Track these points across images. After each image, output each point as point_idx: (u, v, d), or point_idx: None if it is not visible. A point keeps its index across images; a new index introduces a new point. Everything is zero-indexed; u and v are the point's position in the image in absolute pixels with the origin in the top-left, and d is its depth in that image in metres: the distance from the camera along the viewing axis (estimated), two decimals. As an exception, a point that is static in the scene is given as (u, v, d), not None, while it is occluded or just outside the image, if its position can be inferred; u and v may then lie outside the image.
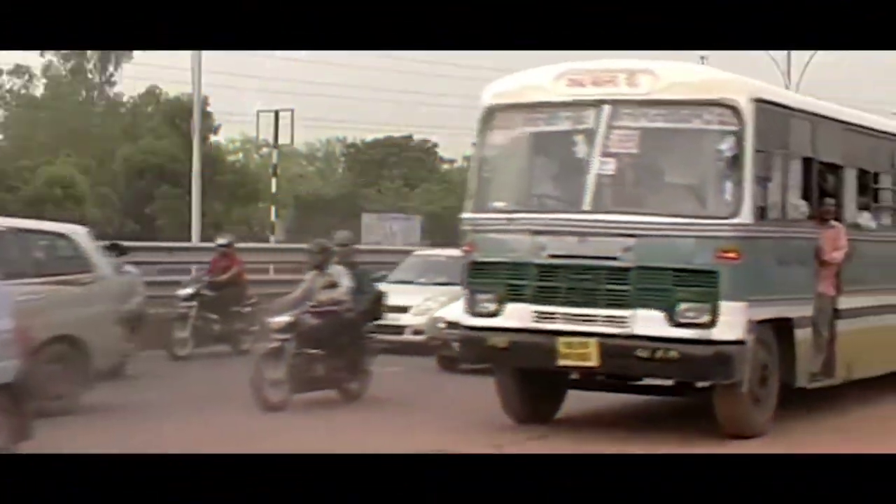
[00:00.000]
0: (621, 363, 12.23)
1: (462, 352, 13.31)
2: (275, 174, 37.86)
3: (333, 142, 79.04)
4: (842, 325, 13.89)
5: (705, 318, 11.92)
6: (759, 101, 12.24)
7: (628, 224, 12.12)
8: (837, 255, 13.63)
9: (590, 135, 12.43)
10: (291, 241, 41.58)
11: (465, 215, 13.12)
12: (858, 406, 14.67)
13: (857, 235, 14.25)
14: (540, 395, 13.40)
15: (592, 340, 12.20)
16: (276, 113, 34.85)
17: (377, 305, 15.09)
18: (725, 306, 11.90)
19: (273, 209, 38.47)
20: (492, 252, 12.74)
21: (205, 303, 18.47)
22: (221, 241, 19.49)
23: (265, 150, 49.19)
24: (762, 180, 12.39)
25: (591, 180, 12.32)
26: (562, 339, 12.30)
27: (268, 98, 50.58)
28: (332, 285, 14.35)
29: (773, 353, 12.71)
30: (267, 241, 35.76)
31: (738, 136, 12.06)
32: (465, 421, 13.39)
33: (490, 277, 12.70)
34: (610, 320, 12.16)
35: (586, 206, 12.30)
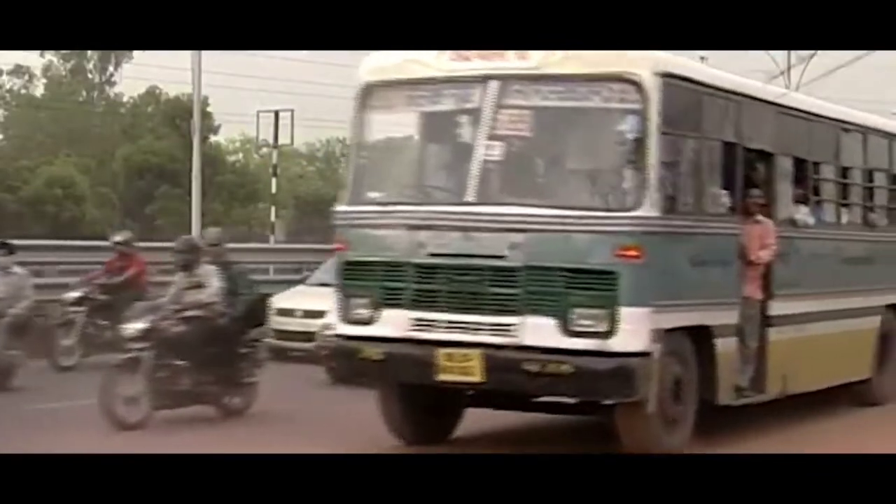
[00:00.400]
0: (508, 378, 10.29)
1: (334, 365, 11.31)
2: (275, 174, 37.02)
3: (333, 142, 77.55)
4: (774, 334, 11.93)
5: (603, 327, 10.01)
6: (667, 75, 10.27)
7: (517, 217, 10.23)
8: (764, 255, 11.64)
9: (475, 115, 10.54)
10: (291, 241, 40.95)
11: (337, 208, 11.21)
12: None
13: (793, 232, 12.30)
14: (431, 413, 11.49)
15: (476, 352, 10.30)
16: (276, 113, 34.57)
17: (258, 310, 13.08)
18: (626, 312, 9.97)
19: (273, 209, 37.54)
20: (366, 250, 10.83)
21: (95, 308, 16.31)
22: (118, 238, 17.02)
23: (265, 150, 47.91)
24: (672, 168, 10.48)
25: (475, 167, 10.40)
26: (442, 351, 10.39)
27: (267, 98, 49.05)
28: (200, 287, 12.38)
29: (690, 365, 10.78)
30: (267, 241, 34.61)
31: (641, 116, 10.14)
32: (347, 442, 11.43)
33: (364, 279, 10.79)
34: (496, 329, 10.27)
35: (470, 196, 10.39)
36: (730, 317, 11.24)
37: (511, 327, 10.21)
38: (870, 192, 14.09)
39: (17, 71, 64.84)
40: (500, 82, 10.43)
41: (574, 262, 10.05)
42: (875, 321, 13.95)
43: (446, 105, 10.86)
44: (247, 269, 13.59)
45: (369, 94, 11.05)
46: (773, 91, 12.07)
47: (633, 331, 9.98)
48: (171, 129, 54.75)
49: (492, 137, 10.41)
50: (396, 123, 11.28)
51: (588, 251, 10.05)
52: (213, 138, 55.89)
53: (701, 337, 10.83)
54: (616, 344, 9.98)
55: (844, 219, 13.60)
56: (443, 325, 10.44)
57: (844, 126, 13.47)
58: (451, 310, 10.39)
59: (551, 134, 10.68)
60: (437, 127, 11.18)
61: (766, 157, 11.98)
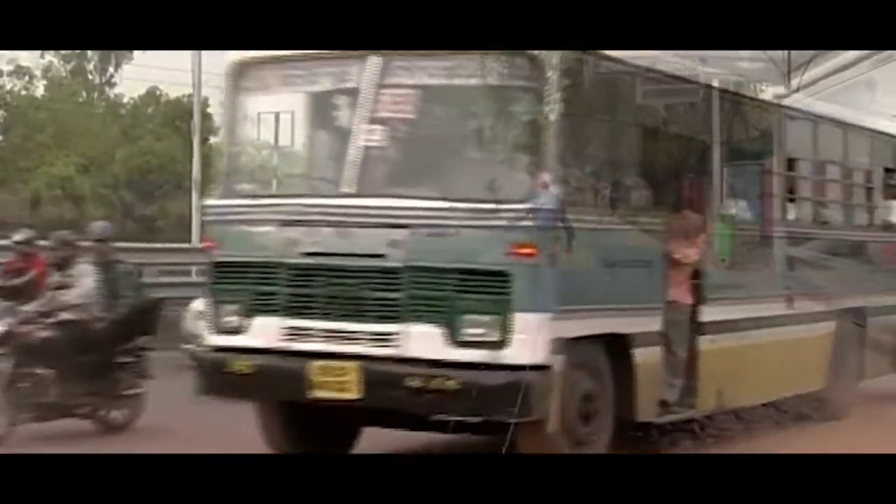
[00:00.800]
0: (389, 395, 8.71)
1: (197, 379, 9.69)
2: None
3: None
4: (707, 343, 10.31)
5: (494, 336, 8.44)
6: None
7: (398, 211, 8.67)
8: (692, 253, 10.01)
9: (354, 95, 8.99)
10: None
11: (206, 202, 9.67)
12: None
13: (728, 229, 10.66)
14: (319, 432, 9.89)
15: (352, 365, 8.73)
16: (277, 114, 32.52)
17: (146, 316, 11.45)
18: (522, 319, 8.41)
19: (273, 210, 36.08)
20: (236, 249, 9.27)
21: None
22: (17, 237, 15.30)
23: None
24: (578, 155, 8.91)
25: (353, 155, 8.86)
26: (316, 364, 8.82)
27: (267, 98, 47.99)
28: (69, 287, 10.81)
29: (604, 379, 9.19)
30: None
31: (539, 95, 8.57)
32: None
33: (234, 283, 9.24)
34: (376, 338, 8.71)
35: (347, 188, 8.85)
36: (652, 323, 9.64)
37: (392, 337, 8.66)
38: (821, 187, 12.45)
39: (17, 71, 63.61)
40: (380, 58, 8.88)
41: (462, 261, 8.51)
42: (829, 327, 12.33)
43: (323, 85, 9.38)
44: (134, 270, 11.94)
45: (240, 74, 9.54)
46: (702, 71, 10.40)
47: (528, 340, 8.43)
48: (171, 131, 53.91)
49: (372, 121, 8.88)
50: (272, 106, 9.70)
51: (477, 249, 8.50)
52: (213, 139, 54.89)
53: (617, 346, 9.25)
54: (509, 355, 8.42)
55: (791, 215, 11.95)
56: (318, 334, 8.90)
57: (789, 113, 11.82)
58: (328, 317, 8.86)
59: (439, 116, 9.15)
60: (315, 110, 9.67)
61: (696, 144, 10.36)
